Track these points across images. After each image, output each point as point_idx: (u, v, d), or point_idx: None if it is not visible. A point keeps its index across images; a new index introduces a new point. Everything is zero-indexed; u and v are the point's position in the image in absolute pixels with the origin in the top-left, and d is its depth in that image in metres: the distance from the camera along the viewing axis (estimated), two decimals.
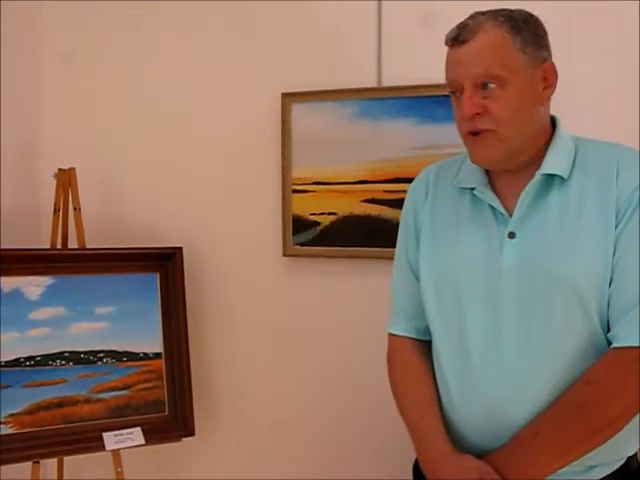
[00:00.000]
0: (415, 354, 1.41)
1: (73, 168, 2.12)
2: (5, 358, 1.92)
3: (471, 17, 1.24)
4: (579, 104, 1.84)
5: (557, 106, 1.83)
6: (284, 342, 2.19)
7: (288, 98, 2.10)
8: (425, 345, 1.42)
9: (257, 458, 2.25)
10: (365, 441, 2.06)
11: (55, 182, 2.11)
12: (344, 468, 2.09)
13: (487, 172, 1.33)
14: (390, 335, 1.47)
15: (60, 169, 2.11)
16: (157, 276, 2.13)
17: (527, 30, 1.23)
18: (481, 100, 1.21)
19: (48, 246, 2.08)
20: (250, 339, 2.24)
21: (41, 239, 2.24)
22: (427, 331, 1.41)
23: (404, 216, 1.47)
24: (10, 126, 2.25)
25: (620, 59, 1.84)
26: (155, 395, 2.06)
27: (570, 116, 1.80)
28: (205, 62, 2.24)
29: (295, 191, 2.12)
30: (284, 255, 2.15)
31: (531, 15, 1.26)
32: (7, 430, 1.88)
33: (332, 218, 2.08)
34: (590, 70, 1.85)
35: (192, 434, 2.05)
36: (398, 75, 1.99)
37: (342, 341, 2.09)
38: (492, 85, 1.21)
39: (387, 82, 2.02)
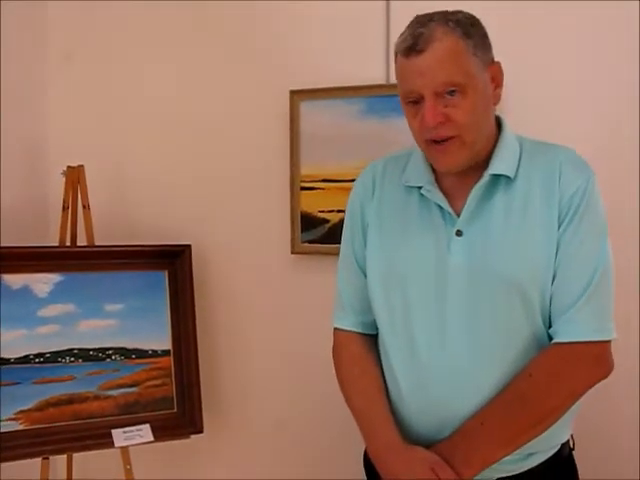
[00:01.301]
0: (363, 348, 1.43)
1: (82, 165, 2.12)
2: (14, 355, 1.93)
3: (421, 24, 1.23)
4: (577, 104, 1.87)
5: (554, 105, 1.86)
6: (292, 339, 2.19)
7: (296, 95, 2.10)
8: (372, 339, 1.45)
9: (265, 455, 2.25)
10: None
11: (64, 179, 2.11)
12: (353, 468, 2.08)
13: (434, 171, 1.34)
14: (336, 329, 1.49)
15: (69, 166, 2.12)
16: (165, 273, 2.13)
17: (476, 34, 1.24)
18: (442, 108, 1.22)
19: (57, 243, 2.09)
20: (258, 336, 2.24)
21: (50, 236, 2.25)
22: (374, 325, 1.43)
23: (350, 211, 1.48)
24: (17, 124, 2.26)
25: (620, 59, 1.84)
26: (164, 392, 2.07)
27: (567, 115, 1.85)
28: (212, 60, 2.25)
29: (303, 188, 2.12)
30: (292, 252, 2.15)
31: (473, 16, 1.27)
32: (17, 426, 1.89)
33: (341, 215, 2.06)
34: (590, 70, 1.86)
35: (201, 431, 2.05)
36: None
37: None
38: (452, 93, 1.21)
39: (395, 79, 2.01)
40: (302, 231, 2.13)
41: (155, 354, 2.08)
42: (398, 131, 1.98)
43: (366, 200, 1.43)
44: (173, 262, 2.14)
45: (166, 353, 2.09)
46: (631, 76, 1.82)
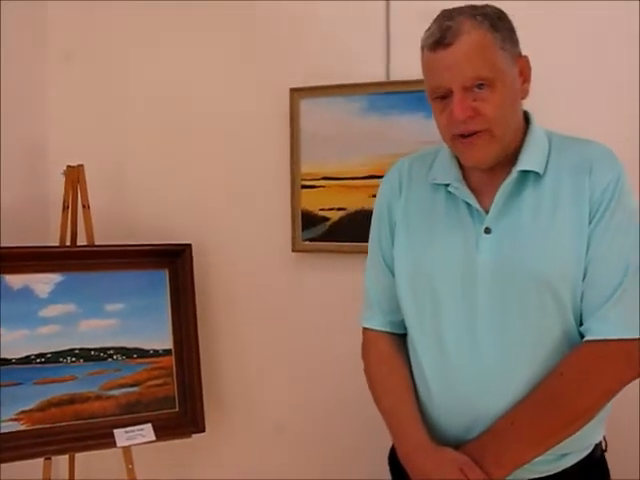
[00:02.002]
0: (392, 347, 1.42)
1: (82, 165, 2.12)
2: (16, 355, 1.92)
3: (448, 17, 1.22)
4: (577, 104, 1.87)
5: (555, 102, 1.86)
6: (293, 338, 2.19)
7: (296, 93, 2.10)
8: (401, 338, 1.44)
9: (267, 454, 2.25)
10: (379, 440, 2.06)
11: (64, 179, 2.11)
12: (355, 468, 2.08)
13: (461, 168, 1.33)
14: (365, 329, 1.48)
15: (69, 166, 2.11)
16: (166, 273, 2.13)
17: (503, 27, 1.23)
18: (471, 102, 1.21)
19: (57, 243, 2.09)
20: (259, 335, 2.24)
21: (50, 236, 2.25)
22: (402, 325, 1.42)
23: (377, 211, 1.47)
24: (18, 124, 2.26)
25: (620, 59, 1.84)
26: (165, 391, 2.06)
27: (567, 115, 1.84)
28: (213, 58, 2.24)
29: (304, 186, 2.11)
30: (293, 251, 2.15)
31: (501, 10, 1.25)
32: (18, 427, 1.89)
33: (341, 213, 2.07)
34: (590, 70, 1.86)
35: (202, 430, 2.05)
36: (406, 69, 1.97)
37: (351, 337, 2.08)
38: (481, 87, 1.20)
39: (395, 76, 2.01)
40: (303, 229, 2.12)
41: (156, 354, 2.08)
42: (399, 128, 1.98)
43: (393, 199, 1.42)
44: (174, 261, 2.14)
45: (167, 352, 2.09)
46: (631, 76, 1.82)
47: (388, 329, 1.44)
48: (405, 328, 1.41)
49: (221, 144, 2.25)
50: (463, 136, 1.24)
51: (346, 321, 2.06)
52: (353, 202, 2.05)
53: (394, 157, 1.94)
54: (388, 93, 2.00)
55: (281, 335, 2.21)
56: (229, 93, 2.22)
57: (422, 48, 1.26)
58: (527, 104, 1.83)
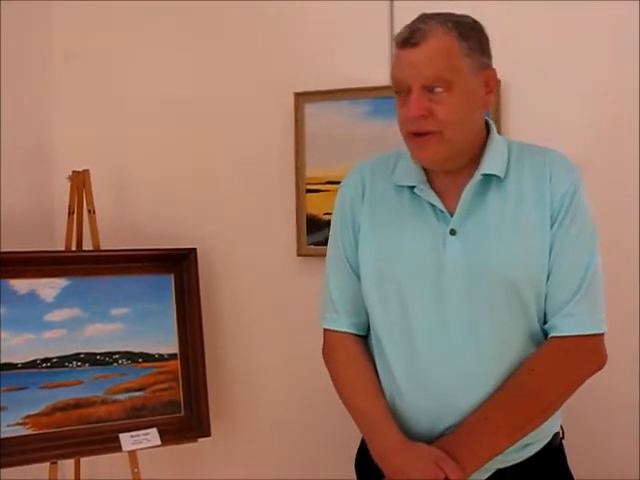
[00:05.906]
0: (358, 348, 1.43)
1: (87, 170, 2.12)
2: (21, 360, 1.93)
3: (421, 20, 1.26)
4: (577, 101, 1.87)
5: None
6: (299, 342, 2.19)
7: (301, 98, 2.10)
8: (364, 339, 1.45)
9: (273, 458, 2.25)
10: None
11: (69, 184, 2.11)
12: None
13: (425, 171, 1.36)
14: (328, 331, 1.47)
15: (74, 171, 2.12)
16: (172, 277, 2.13)
17: (473, 37, 1.27)
18: (427, 103, 1.24)
19: (63, 248, 2.09)
20: (264, 339, 2.24)
21: (56, 241, 2.25)
22: (366, 326, 1.44)
23: (339, 214, 1.47)
24: (22, 128, 2.27)
25: (620, 58, 1.84)
26: (171, 396, 2.07)
27: (567, 111, 1.85)
28: (217, 62, 2.25)
29: (309, 191, 2.11)
30: (298, 255, 2.15)
31: (477, 22, 1.30)
32: (24, 431, 1.89)
33: None
34: (590, 69, 1.86)
35: (208, 434, 2.05)
36: None
37: None
38: (439, 89, 1.23)
39: None
40: (308, 233, 2.13)
41: (162, 358, 2.08)
42: None
43: (356, 201, 1.42)
44: (179, 266, 2.14)
45: (173, 357, 2.09)
46: (631, 76, 1.82)
47: (353, 331, 1.44)
48: (367, 330, 1.44)
49: (226, 148, 2.25)
50: (416, 135, 1.27)
51: None
52: None
53: None
54: (393, 97, 1.99)
55: (287, 339, 2.21)
56: (233, 97, 2.23)
57: (396, 45, 1.29)
58: (530, 105, 1.84)
